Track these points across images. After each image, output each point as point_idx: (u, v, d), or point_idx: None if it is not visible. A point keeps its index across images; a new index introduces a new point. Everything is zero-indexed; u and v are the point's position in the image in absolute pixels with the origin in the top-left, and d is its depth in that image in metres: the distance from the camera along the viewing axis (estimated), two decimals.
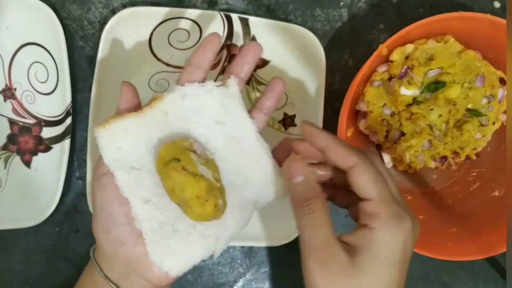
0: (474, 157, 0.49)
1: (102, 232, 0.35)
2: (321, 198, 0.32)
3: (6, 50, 0.47)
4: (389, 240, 0.30)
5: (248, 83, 0.49)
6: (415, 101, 0.45)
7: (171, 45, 0.48)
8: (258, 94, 0.49)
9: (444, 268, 0.53)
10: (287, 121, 0.50)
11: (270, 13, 0.50)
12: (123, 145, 0.34)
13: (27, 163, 0.48)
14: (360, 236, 0.31)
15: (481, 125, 0.46)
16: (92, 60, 0.47)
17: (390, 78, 0.45)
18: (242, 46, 0.37)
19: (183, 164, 0.33)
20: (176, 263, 0.35)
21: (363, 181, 0.31)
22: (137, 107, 0.37)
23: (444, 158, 0.48)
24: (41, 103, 0.48)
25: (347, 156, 0.32)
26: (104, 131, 0.34)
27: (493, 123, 0.47)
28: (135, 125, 0.35)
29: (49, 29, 0.45)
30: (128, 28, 0.46)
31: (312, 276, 0.31)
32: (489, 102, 0.46)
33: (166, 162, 0.33)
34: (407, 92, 0.44)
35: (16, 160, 0.48)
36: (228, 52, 0.49)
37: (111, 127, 0.34)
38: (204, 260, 0.35)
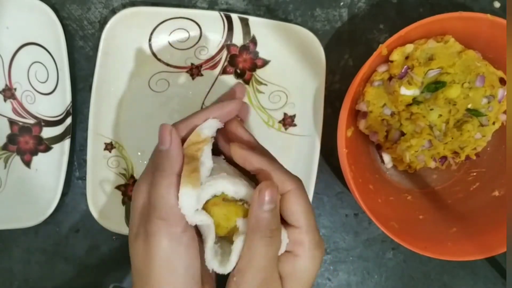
0: (474, 157, 0.49)
1: None
2: (280, 231, 0.33)
3: (6, 50, 0.47)
4: (311, 269, 0.33)
5: (248, 83, 0.49)
6: (415, 101, 0.45)
7: (171, 45, 0.48)
8: (258, 95, 0.49)
9: (444, 268, 0.53)
10: (287, 121, 0.50)
11: (270, 13, 0.50)
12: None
13: (27, 163, 0.48)
14: (286, 263, 0.33)
15: (481, 125, 0.46)
16: (92, 60, 0.47)
17: (390, 78, 0.45)
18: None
19: (222, 196, 0.33)
20: None
21: (295, 209, 0.33)
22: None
23: (444, 158, 0.48)
24: (41, 103, 0.48)
25: (282, 182, 0.33)
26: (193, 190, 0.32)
27: (493, 123, 0.47)
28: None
29: (49, 29, 0.45)
30: (128, 28, 0.46)
31: None
32: (489, 102, 0.46)
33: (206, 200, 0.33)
34: (407, 92, 0.44)
35: (16, 160, 0.48)
36: (228, 52, 0.49)
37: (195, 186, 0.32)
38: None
